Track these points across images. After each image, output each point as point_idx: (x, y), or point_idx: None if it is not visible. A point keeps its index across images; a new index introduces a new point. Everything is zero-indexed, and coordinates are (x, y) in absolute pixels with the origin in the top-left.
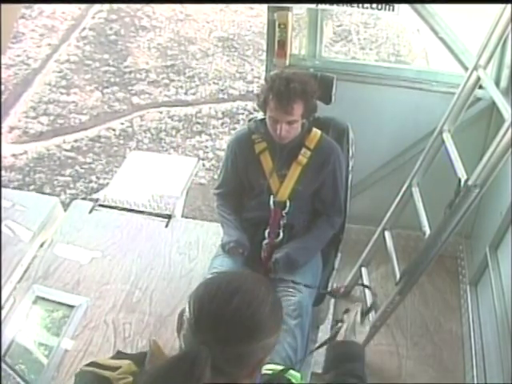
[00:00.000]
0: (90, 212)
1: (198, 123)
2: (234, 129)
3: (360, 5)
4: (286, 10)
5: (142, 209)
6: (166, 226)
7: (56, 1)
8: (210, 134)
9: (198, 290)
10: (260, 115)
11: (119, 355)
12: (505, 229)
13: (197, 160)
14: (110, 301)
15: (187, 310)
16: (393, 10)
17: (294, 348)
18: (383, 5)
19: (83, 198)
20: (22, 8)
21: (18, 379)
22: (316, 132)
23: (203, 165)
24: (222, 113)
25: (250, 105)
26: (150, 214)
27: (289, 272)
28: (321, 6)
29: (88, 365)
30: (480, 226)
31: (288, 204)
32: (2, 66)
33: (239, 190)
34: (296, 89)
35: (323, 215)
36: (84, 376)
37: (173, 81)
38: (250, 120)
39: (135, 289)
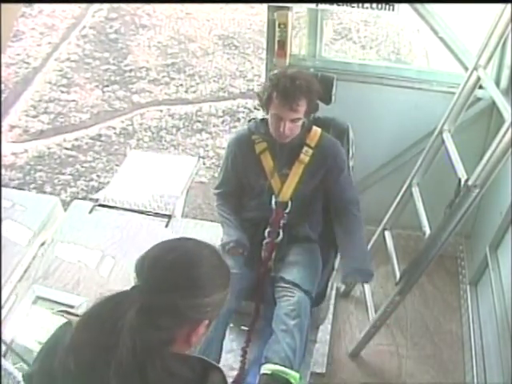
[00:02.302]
0: (90, 212)
1: (199, 121)
2: (235, 127)
3: (360, 5)
4: (286, 9)
5: (141, 209)
6: (166, 226)
7: (56, 1)
8: (210, 132)
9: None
10: (260, 115)
11: None
12: (505, 229)
13: (197, 160)
14: None
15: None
16: (393, 9)
17: (293, 348)
18: (383, 5)
19: (84, 197)
20: (22, 7)
21: (19, 378)
22: (316, 130)
23: (203, 163)
24: (223, 111)
25: (251, 103)
26: (150, 214)
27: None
28: (321, 6)
29: (60, 310)
30: (480, 225)
31: (289, 204)
32: (3, 65)
33: (239, 190)
34: (301, 86)
35: (348, 209)
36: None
37: (173, 79)
38: (250, 120)
39: None
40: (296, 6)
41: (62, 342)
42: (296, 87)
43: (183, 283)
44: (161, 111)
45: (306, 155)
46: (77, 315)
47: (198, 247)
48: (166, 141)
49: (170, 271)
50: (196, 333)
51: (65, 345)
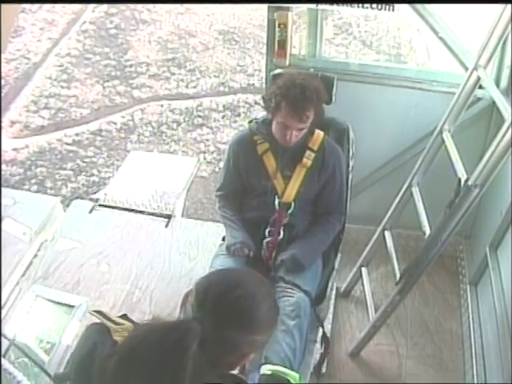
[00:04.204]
0: (90, 212)
1: (199, 116)
2: (235, 122)
3: (360, 5)
4: (286, 9)
5: (142, 209)
6: (166, 226)
7: (57, 1)
8: (210, 127)
9: (207, 275)
10: (261, 110)
11: (124, 317)
12: (505, 229)
13: (197, 160)
14: (110, 301)
15: (194, 291)
16: (393, 10)
17: (293, 348)
18: (383, 5)
19: (84, 192)
20: (21, 6)
21: (19, 378)
22: (319, 133)
23: (204, 158)
24: (223, 106)
25: (251, 97)
26: (150, 213)
27: (293, 273)
28: (321, 6)
29: (95, 311)
30: (480, 225)
31: (292, 205)
32: (3, 61)
33: (241, 191)
34: (312, 97)
35: (327, 216)
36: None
37: (173, 74)
38: (250, 121)
39: (135, 289)
40: (296, 6)
41: (101, 349)
42: (306, 98)
43: (246, 322)
44: (161, 106)
45: (308, 159)
46: (112, 319)
47: (259, 285)
48: (166, 136)
49: (234, 309)
50: (241, 362)
51: (104, 352)
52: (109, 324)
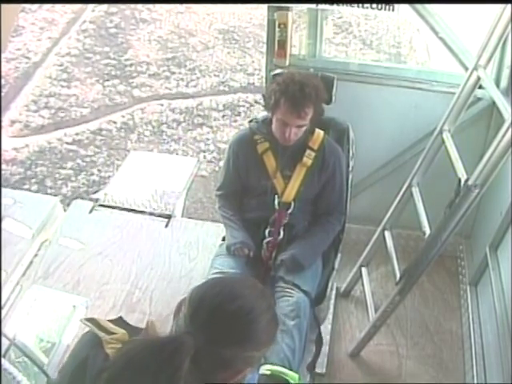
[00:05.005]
0: (90, 212)
1: (199, 115)
2: (235, 121)
3: (360, 5)
4: (286, 9)
5: (142, 209)
6: (166, 226)
7: (57, 1)
8: (211, 127)
9: (202, 285)
10: (261, 109)
11: (119, 321)
12: (505, 229)
13: (197, 160)
14: (110, 301)
15: (187, 301)
16: (392, 10)
17: (292, 349)
18: (383, 5)
19: (85, 191)
20: (21, 6)
21: (19, 378)
22: (319, 133)
23: (204, 157)
24: (223, 105)
25: (251, 97)
26: (150, 214)
27: (293, 273)
28: (321, 6)
29: (88, 319)
30: (480, 225)
31: (292, 205)
32: (3, 60)
33: (241, 191)
34: (311, 94)
35: (327, 216)
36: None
37: (173, 73)
38: (251, 121)
39: (135, 289)
40: (296, 6)
41: (92, 363)
42: (305, 95)
43: (242, 338)
44: (161, 105)
45: (308, 158)
46: (105, 327)
47: (258, 297)
48: (166, 135)
49: (230, 324)
50: (235, 379)
51: (96, 367)
52: (101, 334)
